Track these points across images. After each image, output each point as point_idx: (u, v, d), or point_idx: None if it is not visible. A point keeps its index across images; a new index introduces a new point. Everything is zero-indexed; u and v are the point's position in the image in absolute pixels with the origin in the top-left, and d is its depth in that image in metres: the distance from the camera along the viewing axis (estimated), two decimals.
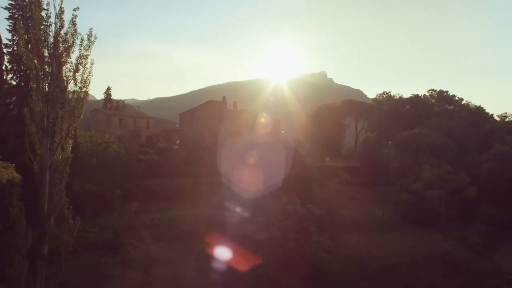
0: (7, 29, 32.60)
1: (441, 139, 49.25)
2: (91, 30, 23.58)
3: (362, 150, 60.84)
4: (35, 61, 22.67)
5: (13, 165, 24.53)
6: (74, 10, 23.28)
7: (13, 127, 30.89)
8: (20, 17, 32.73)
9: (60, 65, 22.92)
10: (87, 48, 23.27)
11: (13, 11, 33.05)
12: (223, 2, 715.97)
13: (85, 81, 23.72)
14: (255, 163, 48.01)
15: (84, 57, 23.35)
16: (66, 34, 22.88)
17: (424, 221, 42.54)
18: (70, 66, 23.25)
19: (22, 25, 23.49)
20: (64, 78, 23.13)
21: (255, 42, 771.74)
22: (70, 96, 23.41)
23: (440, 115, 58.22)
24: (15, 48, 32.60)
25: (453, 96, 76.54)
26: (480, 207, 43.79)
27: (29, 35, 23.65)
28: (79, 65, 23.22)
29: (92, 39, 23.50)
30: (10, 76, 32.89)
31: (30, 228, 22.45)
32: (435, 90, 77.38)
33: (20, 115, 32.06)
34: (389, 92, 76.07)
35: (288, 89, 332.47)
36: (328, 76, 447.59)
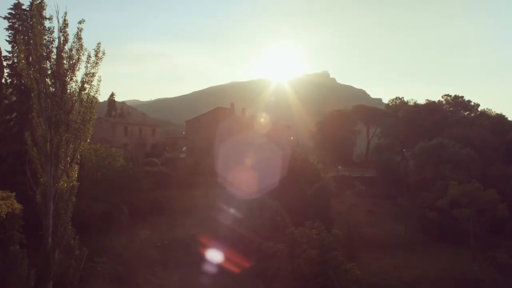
0: (7, 40, 30.35)
1: (463, 151, 46.74)
2: (99, 45, 21.23)
3: (378, 161, 58.23)
4: (37, 79, 20.44)
5: (13, 194, 22.25)
6: (79, 23, 20.97)
7: (13, 146, 28.57)
8: (20, 27, 30.39)
9: (65, 84, 20.60)
10: (94, 65, 20.96)
11: (13, 21, 30.78)
12: (224, 2, 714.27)
13: (92, 101, 21.45)
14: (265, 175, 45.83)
15: (91, 75, 21.07)
16: (70, 49, 20.57)
17: (449, 239, 40.11)
18: (75, 85, 21.07)
19: (22, 40, 21.14)
20: (68, 98, 20.87)
21: (256, 42, 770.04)
22: (75, 117, 21.17)
23: (459, 123, 55.61)
24: (16, 61, 30.31)
25: (469, 101, 73.95)
26: (508, 224, 41.23)
27: (30, 47, 21.40)
28: (85, 84, 20.98)
29: (100, 55, 21.18)
30: (10, 90, 30.56)
31: (33, 268, 20.09)
32: (450, 96, 74.74)
33: (21, 133, 29.81)
34: (402, 97, 73.55)
35: (290, 89, 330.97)
36: (331, 76, 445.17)
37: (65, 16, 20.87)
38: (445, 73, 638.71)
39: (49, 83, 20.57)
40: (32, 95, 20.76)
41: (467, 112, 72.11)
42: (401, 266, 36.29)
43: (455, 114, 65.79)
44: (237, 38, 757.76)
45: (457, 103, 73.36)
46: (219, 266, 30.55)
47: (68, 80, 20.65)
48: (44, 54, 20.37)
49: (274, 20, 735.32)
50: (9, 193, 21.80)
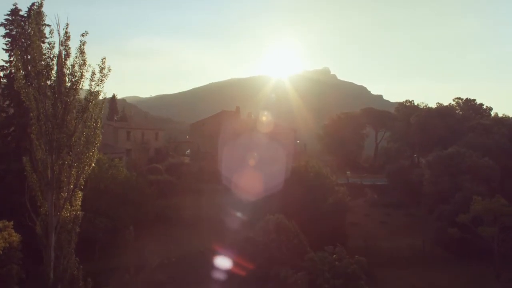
0: (3, 49, 28.22)
1: (482, 160, 44.70)
2: (104, 60, 19.25)
3: (390, 169, 56.17)
4: (36, 98, 18.45)
5: (11, 223, 20.28)
6: (83, 35, 18.97)
7: (11, 164, 26.55)
8: (18, 35, 28.28)
9: (67, 104, 18.60)
10: (99, 82, 18.96)
11: (11, 28, 28.64)
12: None
13: (96, 121, 19.47)
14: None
15: (95, 93, 19.08)
16: (73, 65, 18.57)
17: (471, 256, 38.14)
18: (78, 104, 19.07)
19: (20, 55, 19.09)
20: (71, 119, 18.86)
21: (257, 39, 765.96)
22: (79, 139, 19.18)
23: (475, 130, 53.52)
24: (13, 71, 28.24)
25: (481, 105, 71.89)
26: None
27: (28, 62, 19.35)
28: (89, 104, 18.98)
29: (105, 71, 19.21)
30: (7, 102, 28.49)
31: None
32: (461, 99, 72.67)
33: (20, 149, 27.91)
34: (412, 100, 71.47)
35: (290, 86, 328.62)
36: (332, 73, 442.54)
37: (66, 28, 18.84)
38: (447, 70, 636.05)
39: (50, 103, 18.66)
40: (31, 115, 18.85)
41: (486, 120, 69.98)
42: (420, 285, 34.42)
43: (468, 119, 63.65)
44: (237, 35, 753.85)
45: (469, 107, 71.36)
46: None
47: (71, 99, 18.70)
48: (44, 71, 18.43)
49: (274, 16, 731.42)
50: (6, 223, 19.82)
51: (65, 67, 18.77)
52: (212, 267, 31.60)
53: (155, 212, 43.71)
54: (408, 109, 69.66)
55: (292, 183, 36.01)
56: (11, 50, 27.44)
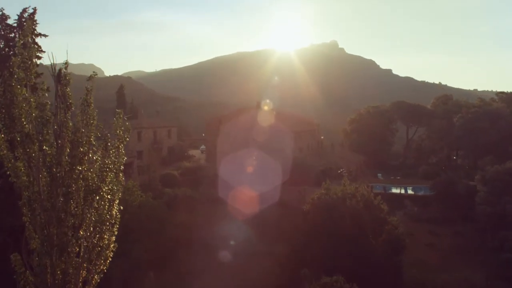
0: None
1: None
2: (121, 113, 13.27)
3: (437, 181, 50.07)
4: (28, 175, 12.56)
5: None
6: (89, 79, 12.88)
7: (4, 220, 20.99)
8: (5, 48, 22.01)
9: (69, 186, 12.61)
10: (118, 157, 13.10)
11: None
12: None
13: (111, 207, 13.54)
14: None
15: (108, 169, 13.05)
16: (75, 131, 12.46)
17: None
18: (85, 184, 13.06)
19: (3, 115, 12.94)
20: (76, 208, 12.94)
21: (263, 12, 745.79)
22: (89, 233, 13.37)
23: None
24: None
25: None
26: None
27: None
28: (102, 184, 12.99)
29: (126, 134, 13.36)
30: None
31: None
32: (505, 92, 65.39)
33: (12, 197, 22.31)
34: (451, 95, 64.34)
35: (297, 59, 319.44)
36: (340, 46, 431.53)
37: (66, 66, 12.68)
38: (457, 43, 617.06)
39: (45, 183, 12.71)
40: (22, 195, 12.95)
41: None
42: None
43: None
44: (243, 8, 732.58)
45: None
46: None
47: (74, 180, 12.68)
48: (35, 140, 12.36)
49: None
50: None
51: (63, 126, 12.67)
52: None
53: (175, 238, 38.57)
54: (448, 105, 62.72)
55: (334, 219, 30.12)
56: None
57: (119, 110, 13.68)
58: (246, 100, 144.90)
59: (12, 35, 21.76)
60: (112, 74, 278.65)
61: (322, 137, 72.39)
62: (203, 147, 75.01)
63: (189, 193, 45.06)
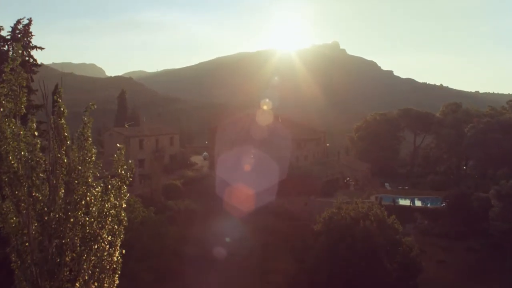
0: None
1: None
2: (123, 148, 11.72)
3: (449, 194, 48.41)
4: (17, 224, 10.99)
5: None
6: (86, 110, 11.31)
7: None
8: None
9: (64, 235, 11.05)
10: (120, 199, 11.56)
11: None
12: None
13: (112, 251, 11.97)
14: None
15: (111, 211, 11.49)
16: (71, 171, 10.86)
17: None
18: (82, 231, 11.45)
19: None
20: (70, 256, 11.34)
21: (264, 12, 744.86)
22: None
23: None
24: None
25: None
26: None
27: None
28: (101, 231, 11.41)
29: (129, 173, 11.81)
30: None
31: None
32: None
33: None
34: (460, 102, 62.70)
35: (299, 60, 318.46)
36: (341, 47, 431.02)
37: (58, 97, 11.17)
38: (457, 43, 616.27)
39: (36, 233, 11.17)
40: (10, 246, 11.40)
41: None
42: None
43: None
44: (244, 8, 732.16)
45: None
46: None
47: (69, 228, 11.11)
48: (24, 183, 10.77)
49: None
50: None
51: (58, 164, 11.09)
52: None
53: (178, 254, 37.16)
54: (457, 114, 61.07)
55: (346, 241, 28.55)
56: None
57: (120, 145, 12.04)
58: (247, 100, 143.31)
59: (6, 48, 20.44)
60: (113, 75, 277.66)
61: (328, 145, 70.82)
62: (205, 153, 73.56)
63: (193, 207, 43.42)
